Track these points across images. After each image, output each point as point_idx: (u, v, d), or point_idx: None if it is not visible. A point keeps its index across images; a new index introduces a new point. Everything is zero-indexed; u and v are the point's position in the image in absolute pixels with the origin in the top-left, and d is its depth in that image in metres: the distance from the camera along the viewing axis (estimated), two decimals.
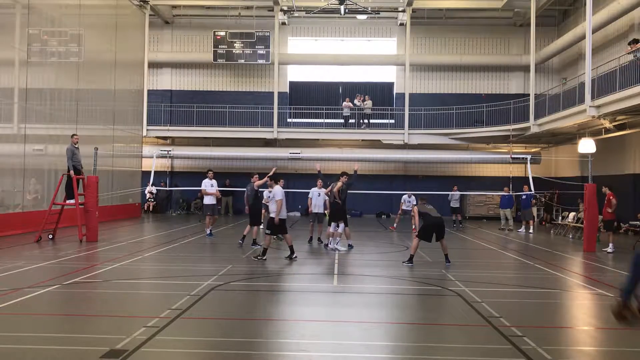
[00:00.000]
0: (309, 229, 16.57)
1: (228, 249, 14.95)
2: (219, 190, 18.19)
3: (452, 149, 29.82)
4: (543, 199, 26.37)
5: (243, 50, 28.77)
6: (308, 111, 30.24)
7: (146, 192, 23.35)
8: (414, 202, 19.61)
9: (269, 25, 29.29)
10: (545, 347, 6.10)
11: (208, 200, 17.67)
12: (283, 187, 13.01)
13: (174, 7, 30.50)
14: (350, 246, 14.85)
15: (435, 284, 9.90)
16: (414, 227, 15.74)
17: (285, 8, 29.26)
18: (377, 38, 31.47)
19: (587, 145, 18.60)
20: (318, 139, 29.82)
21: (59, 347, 5.96)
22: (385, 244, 16.99)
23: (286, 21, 30.72)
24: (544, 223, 26.42)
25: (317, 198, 15.95)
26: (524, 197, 22.20)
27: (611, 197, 15.80)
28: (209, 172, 18.02)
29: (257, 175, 15.03)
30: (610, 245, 15.42)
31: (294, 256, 12.62)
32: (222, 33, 28.83)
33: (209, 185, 17.47)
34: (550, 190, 27.11)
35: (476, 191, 28.54)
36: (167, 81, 31.43)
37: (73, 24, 21.47)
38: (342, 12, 27.99)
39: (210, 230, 17.68)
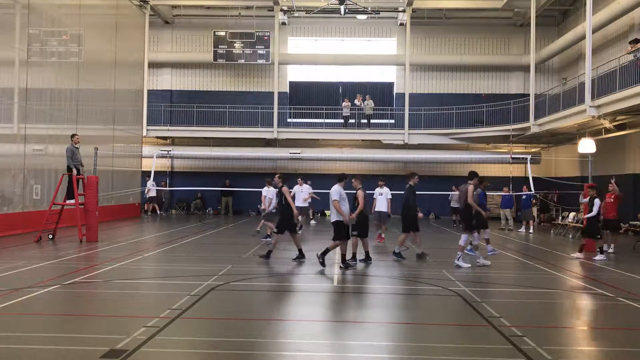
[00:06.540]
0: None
1: (228, 249, 14.95)
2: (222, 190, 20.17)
3: (452, 149, 29.79)
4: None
5: (243, 50, 28.76)
6: (308, 111, 30.21)
7: (146, 191, 23.49)
8: None
9: (269, 25, 29.27)
10: (545, 347, 6.10)
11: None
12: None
13: (174, 7, 30.47)
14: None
15: (435, 284, 9.90)
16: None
17: (285, 8, 29.23)
18: (377, 38, 31.44)
19: (587, 145, 18.58)
20: (318, 139, 29.79)
21: (59, 347, 5.96)
22: (385, 244, 16.95)
23: (286, 21, 30.70)
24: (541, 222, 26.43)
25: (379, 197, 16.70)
26: (523, 197, 22.19)
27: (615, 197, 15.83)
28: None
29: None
30: (612, 245, 15.23)
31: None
32: (222, 33, 28.81)
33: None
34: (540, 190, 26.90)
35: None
36: (167, 81, 31.39)
37: (73, 24, 21.45)
38: (342, 12, 27.97)
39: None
